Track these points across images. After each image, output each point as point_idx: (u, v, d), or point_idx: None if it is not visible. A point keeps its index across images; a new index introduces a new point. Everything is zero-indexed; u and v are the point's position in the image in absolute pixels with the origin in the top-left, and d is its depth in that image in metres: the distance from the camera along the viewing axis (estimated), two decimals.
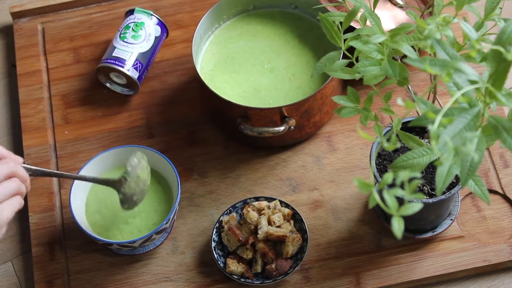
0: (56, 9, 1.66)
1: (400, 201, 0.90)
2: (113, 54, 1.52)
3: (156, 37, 1.55)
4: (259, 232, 1.34)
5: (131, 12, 1.57)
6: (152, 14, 1.56)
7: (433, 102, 1.24)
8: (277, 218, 1.36)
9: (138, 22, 1.55)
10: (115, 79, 1.54)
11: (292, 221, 1.38)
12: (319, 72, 1.18)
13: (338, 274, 1.36)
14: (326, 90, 1.43)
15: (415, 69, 1.54)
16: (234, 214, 1.39)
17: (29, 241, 1.44)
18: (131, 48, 1.52)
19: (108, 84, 1.55)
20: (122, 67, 1.50)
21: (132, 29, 1.54)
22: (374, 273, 1.36)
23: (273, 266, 1.34)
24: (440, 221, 1.36)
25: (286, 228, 1.36)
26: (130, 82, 1.53)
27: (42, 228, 1.43)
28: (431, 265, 1.36)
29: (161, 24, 1.56)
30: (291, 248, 1.34)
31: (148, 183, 1.33)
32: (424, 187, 1.27)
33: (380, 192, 1.26)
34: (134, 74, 1.51)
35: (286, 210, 1.38)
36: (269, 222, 1.36)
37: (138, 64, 1.52)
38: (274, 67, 1.50)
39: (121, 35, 1.54)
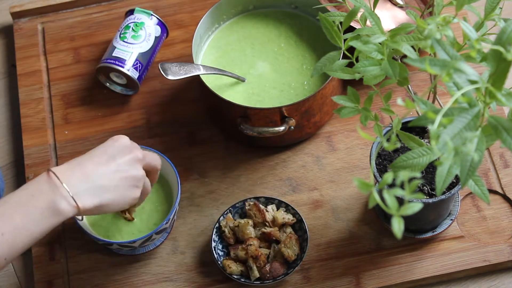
0: (56, 9, 1.66)
1: (400, 201, 0.90)
2: (113, 54, 1.52)
3: (156, 37, 1.55)
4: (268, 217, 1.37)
5: (131, 12, 1.57)
6: (152, 14, 1.56)
7: (433, 102, 1.24)
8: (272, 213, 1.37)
9: (138, 22, 1.55)
10: (115, 79, 1.54)
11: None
12: (319, 72, 1.18)
13: (338, 274, 1.36)
14: (326, 90, 1.43)
15: (415, 69, 1.54)
16: (230, 215, 1.39)
17: None
18: (131, 48, 1.52)
19: (108, 84, 1.55)
20: (122, 67, 1.50)
21: (132, 29, 1.54)
22: (374, 273, 1.36)
23: (267, 268, 1.34)
24: (440, 221, 1.36)
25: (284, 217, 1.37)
26: (130, 82, 1.53)
27: None
28: (431, 265, 1.36)
29: (161, 24, 1.56)
30: (289, 251, 1.34)
31: None
32: (424, 187, 1.28)
33: (380, 192, 1.26)
34: (134, 74, 1.51)
35: (287, 216, 1.38)
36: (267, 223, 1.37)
37: (138, 64, 1.52)
38: (274, 67, 1.50)
39: (121, 35, 1.54)
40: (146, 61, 1.53)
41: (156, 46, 1.56)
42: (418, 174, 0.92)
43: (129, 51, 1.52)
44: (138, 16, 1.55)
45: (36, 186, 1.17)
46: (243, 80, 1.48)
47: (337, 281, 1.36)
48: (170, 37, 1.60)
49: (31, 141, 1.52)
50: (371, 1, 1.21)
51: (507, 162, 1.45)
